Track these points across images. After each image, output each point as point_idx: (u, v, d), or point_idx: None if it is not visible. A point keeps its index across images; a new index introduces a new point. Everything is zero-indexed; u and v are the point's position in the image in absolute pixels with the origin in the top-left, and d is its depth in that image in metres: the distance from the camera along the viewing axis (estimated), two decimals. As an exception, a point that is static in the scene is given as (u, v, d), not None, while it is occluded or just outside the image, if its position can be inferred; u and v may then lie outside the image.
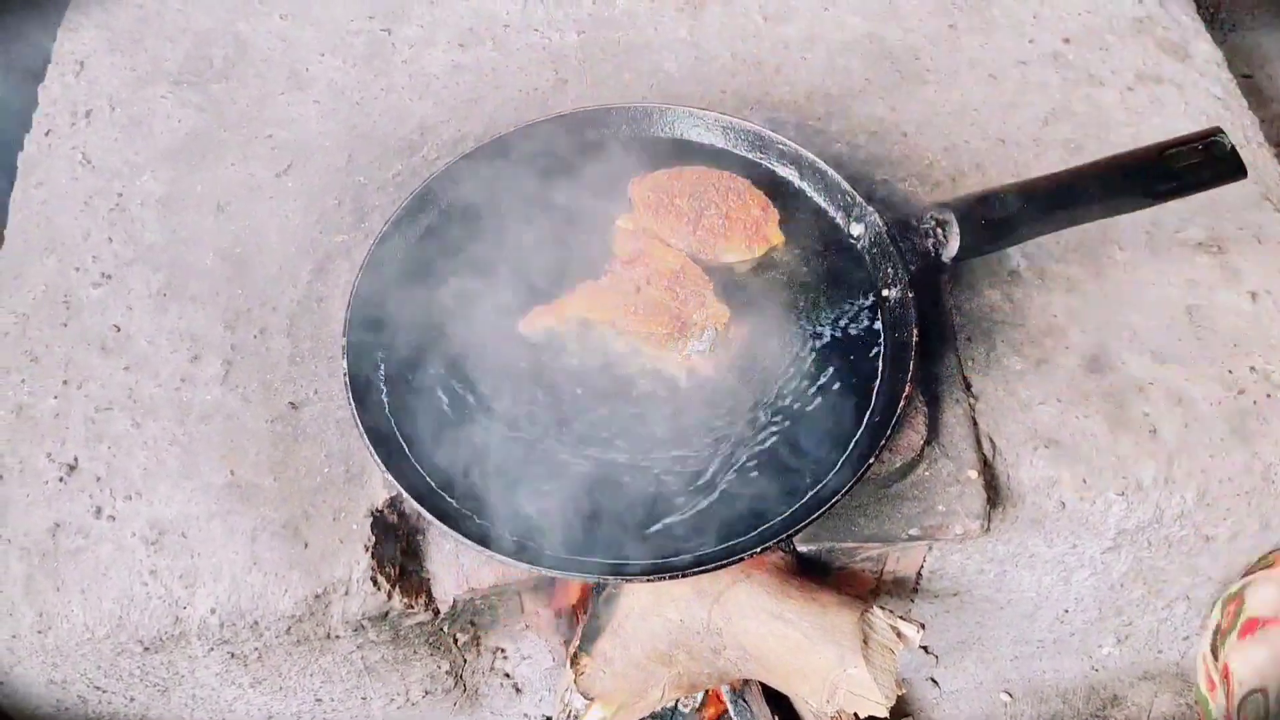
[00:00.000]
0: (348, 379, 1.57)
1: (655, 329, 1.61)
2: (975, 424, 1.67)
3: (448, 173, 1.78)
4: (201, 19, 2.18)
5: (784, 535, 1.46)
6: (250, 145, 1.99)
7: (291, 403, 1.70)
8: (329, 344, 1.74)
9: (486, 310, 1.67)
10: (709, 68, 2.09)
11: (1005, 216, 1.65)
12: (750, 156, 1.84)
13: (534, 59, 2.11)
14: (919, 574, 1.80)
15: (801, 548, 1.67)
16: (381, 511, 1.61)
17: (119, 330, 1.76)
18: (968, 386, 1.70)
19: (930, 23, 2.16)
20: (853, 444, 1.54)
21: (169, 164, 1.96)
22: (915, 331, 1.59)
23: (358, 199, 1.91)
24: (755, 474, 1.52)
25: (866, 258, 1.72)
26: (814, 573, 1.73)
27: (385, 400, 1.59)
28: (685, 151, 1.83)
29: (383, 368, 1.62)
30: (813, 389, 1.60)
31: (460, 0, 2.20)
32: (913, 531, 1.58)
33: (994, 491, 1.62)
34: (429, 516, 1.46)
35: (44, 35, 2.16)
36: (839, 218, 1.77)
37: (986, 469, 1.63)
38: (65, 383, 1.70)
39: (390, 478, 1.49)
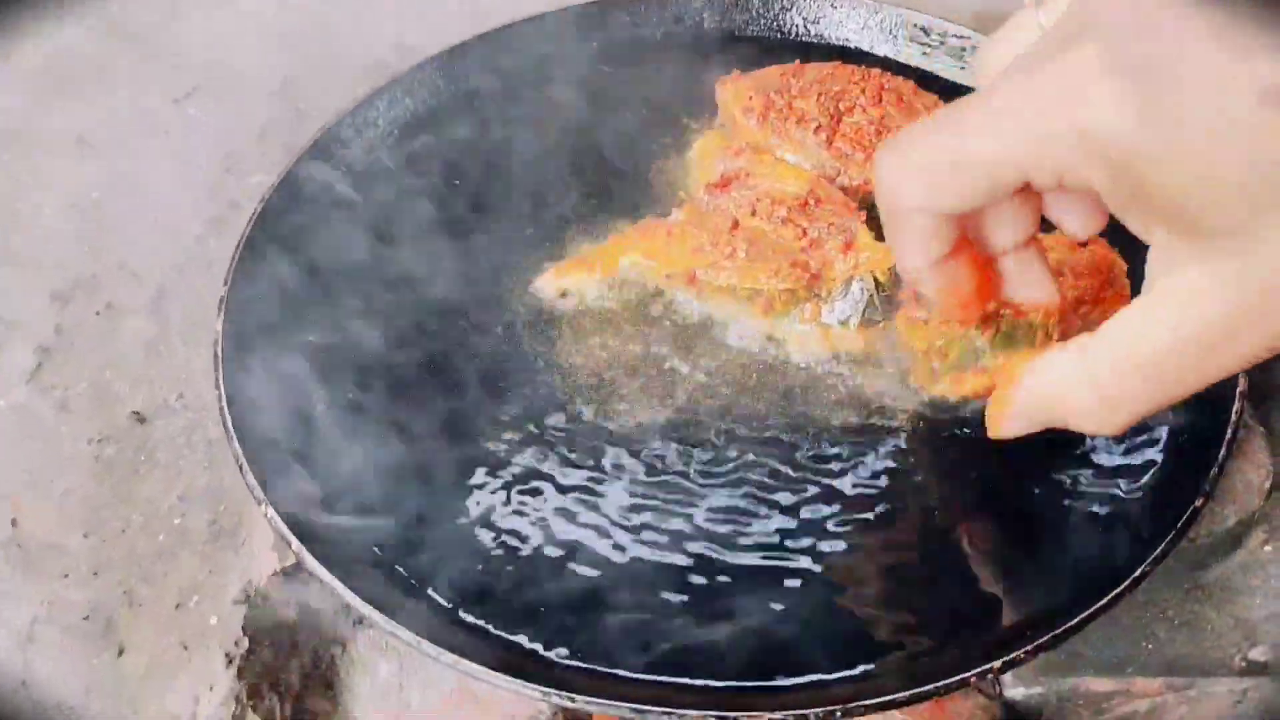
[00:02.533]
0: (218, 351, 0.91)
1: (768, 283, 0.96)
2: (1340, 468, 0.98)
3: (430, 68, 1.18)
4: (107, -72, 1.63)
5: (1025, 650, 0.76)
6: (145, 66, 1.42)
7: (137, 412, 1.05)
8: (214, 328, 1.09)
9: (477, 263, 1.04)
10: (823, -13, 1.50)
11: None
12: (903, 59, 1.23)
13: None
14: (1207, 752, 1.09)
15: (1017, 690, 0.97)
16: (266, 594, 0.94)
17: (-117, 301, 1.13)
18: (1307, 409, 1.03)
19: None
20: (1146, 478, 0.86)
21: (20, 90, 1.40)
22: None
23: (291, 132, 1.31)
24: (944, 544, 0.85)
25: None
26: (1033, 741, 1.02)
27: (296, 403, 0.93)
28: (800, 54, 1.21)
29: (299, 352, 0.97)
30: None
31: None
32: (1255, 654, 0.89)
33: (1394, 589, 0.93)
34: (359, 603, 0.79)
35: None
36: (1062, 138, 1.13)
37: (1377, 547, 0.94)
38: None
39: (284, 529, 0.82)
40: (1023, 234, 0.67)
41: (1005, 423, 0.67)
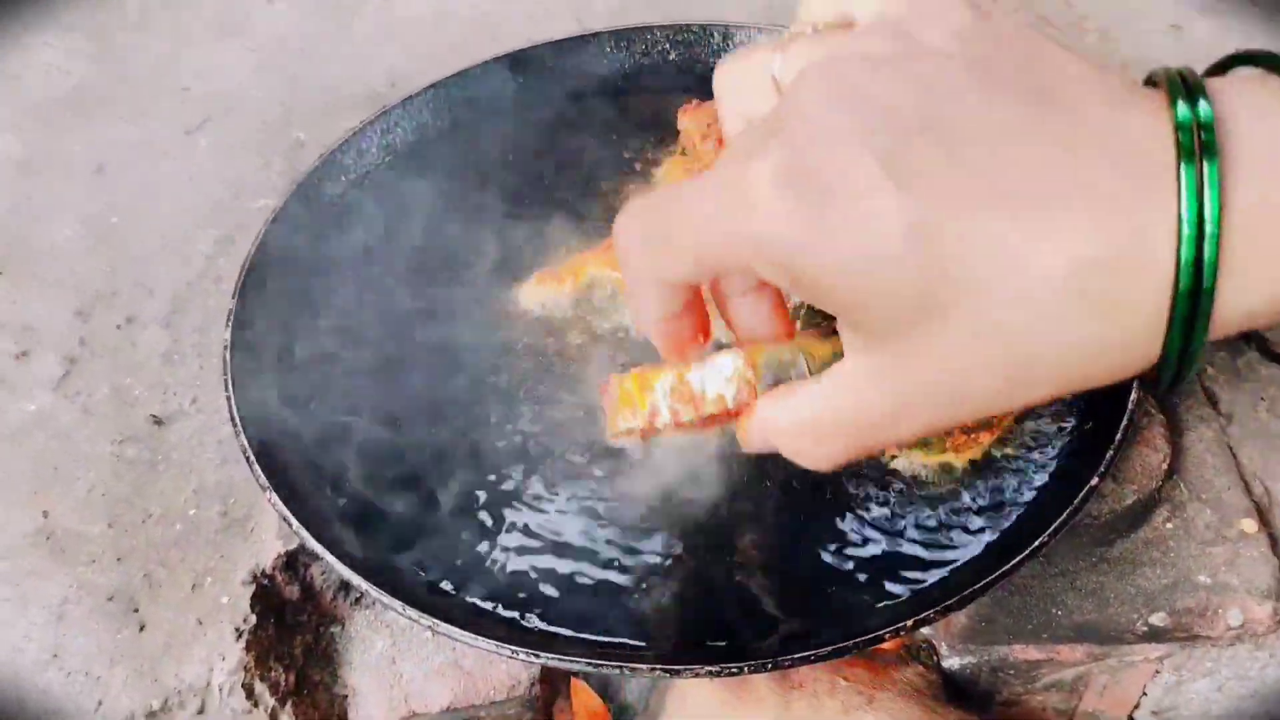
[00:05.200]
0: (227, 359, 1.02)
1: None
2: (1234, 455, 1.08)
3: (417, 101, 1.29)
4: (118, -32, 1.74)
5: (925, 613, 0.86)
6: (156, 99, 1.52)
7: (154, 416, 1.15)
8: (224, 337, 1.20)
9: (462, 279, 1.15)
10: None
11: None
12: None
13: (546, 7, 1.65)
14: (1132, 717, 1.18)
15: (952, 660, 1.07)
16: (272, 577, 1.04)
17: (-81, 317, 1.24)
18: (1212, 402, 1.13)
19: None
20: (1052, 463, 0.97)
21: (39, 121, 1.50)
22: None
23: (291, 158, 1.42)
24: (878, 514, 0.96)
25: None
26: (970, 707, 1.12)
27: (297, 404, 1.05)
28: (760, 85, 1.32)
29: (296, 351, 1.09)
30: (973, 387, 1.03)
31: (455, -56, 1.76)
32: (1155, 620, 0.98)
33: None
34: (350, 574, 0.89)
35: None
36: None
37: (1265, 524, 1.04)
38: None
39: (285, 512, 0.92)
40: (750, 284, 0.67)
41: (745, 442, 0.67)
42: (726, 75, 0.70)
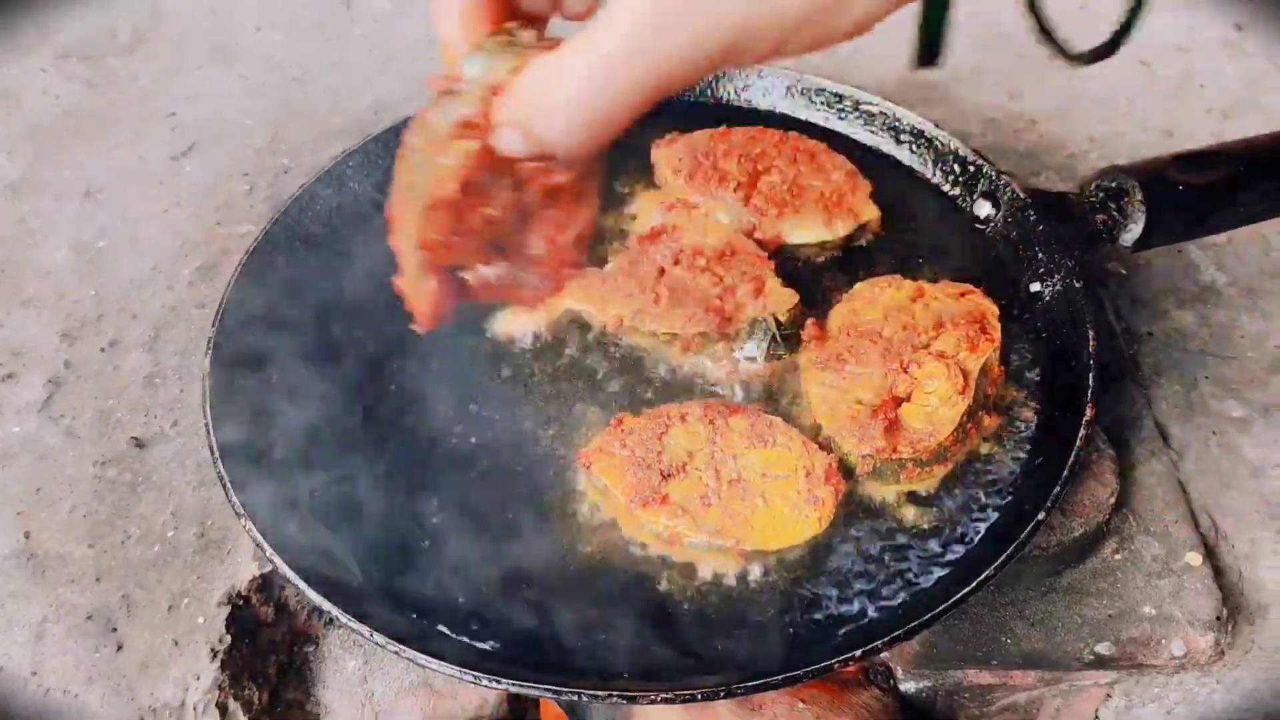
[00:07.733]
0: (207, 385, 1.05)
1: (685, 327, 1.09)
2: (1184, 490, 1.11)
3: (399, 131, 1.30)
4: (114, -10, 1.77)
5: (873, 643, 0.89)
6: (145, 124, 1.54)
7: (136, 438, 1.18)
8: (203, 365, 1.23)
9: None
10: (763, 50, 1.64)
11: (1217, 183, 1.15)
12: (822, 123, 1.36)
13: (535, 36, 1.67)
14: (1086, 741, 1.21)
15: (909, 684, 1.09)
16: (246, 598, 1.07)
17: (-91, 339, 1.26)
18: (1164, 437, 1.16)
19: (1055, 3, 1.71)
20: (1003, 496, 0.99)
21: (32, 144, 1.52)
22: (1091, 334, 1.06)
23: (276, 185, 1.44)
24: (840, 549, 0.98)
25: (1000, 244, 1.21)
26: (927, 729, 1.14)
27: (274, 432, 1.07)
28: (728, 119, 1.34)
29: (274, 378, 1.10)
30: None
31: (443, -27, 1.78)
32: (1101, 649, 1.01)
33: (1223, 593, 1.06)
34: (327, 605, 0.91)
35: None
36: (957, 194, 1.27)
37: (1210, 557, 1.06)
38: None
39: (260, 538, 0.95)
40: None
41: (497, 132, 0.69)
42: None
